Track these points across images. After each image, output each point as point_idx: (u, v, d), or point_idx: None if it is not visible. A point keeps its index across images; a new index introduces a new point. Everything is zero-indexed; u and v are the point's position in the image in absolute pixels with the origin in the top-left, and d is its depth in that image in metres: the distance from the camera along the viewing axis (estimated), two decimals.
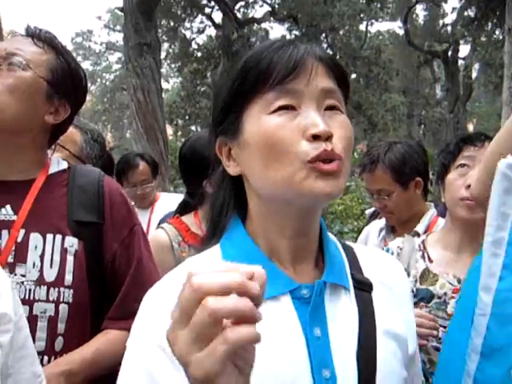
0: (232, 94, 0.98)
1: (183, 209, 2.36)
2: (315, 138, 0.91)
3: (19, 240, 1.50)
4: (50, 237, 1.52)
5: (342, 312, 0.98)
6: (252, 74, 0.95)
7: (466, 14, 21.12)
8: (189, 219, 2.27)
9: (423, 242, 2.03)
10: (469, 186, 1.82)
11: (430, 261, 1.96)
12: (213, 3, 20.70)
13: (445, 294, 1.88)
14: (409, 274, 1.93)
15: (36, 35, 1.59)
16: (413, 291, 1.90)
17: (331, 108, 0.96)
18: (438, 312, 1.86)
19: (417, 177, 2.49)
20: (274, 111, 0.93)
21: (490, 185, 1.38)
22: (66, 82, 1.58)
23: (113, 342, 1.54)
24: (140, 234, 1.66)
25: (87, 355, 1.51)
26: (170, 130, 23.93)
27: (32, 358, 1.15)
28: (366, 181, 2.58)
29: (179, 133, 25.95)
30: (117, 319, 1.58)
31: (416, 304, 1.87)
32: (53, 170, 1.64)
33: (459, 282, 1.85)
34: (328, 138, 0.91)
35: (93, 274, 1.57)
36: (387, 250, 2.03)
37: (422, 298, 1.89)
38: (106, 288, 1.62)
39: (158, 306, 0.95)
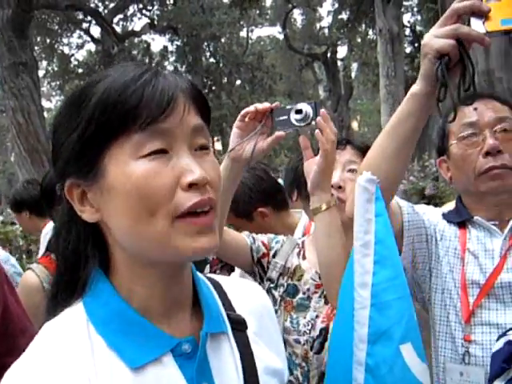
0: (88, 133, 0.82)
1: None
2: (191, 186, 0.81)
3: None
4: None
5: (225, 360, 0.92)
6: (117, 113, 0.81)
7: (340, 17, 21.96)
8: None
9: (303, 242, 2.08)
10: (331, 186, 1.87)
11: (304, 258, 2.01)
12: (89, 18, 20.24)
13: (308, 289, 1.92)
14: (287, 270, 1.98)
15: None
16: (283, 285, 1.95)
17: (202, 147, 0.87)
18: (302, 308, 1.91)
19: (259, 207, 2.50)
20: (145, 156, 0.81)
21: None
22: None
23: None
24: (3, 280, 1.56)
25: None
26: None
27: None
28: None
29: None
30: None
31: (282, 298, 1.93)
32: None
33: (320, 277, 1.89)
34: (205, 184, 0.83)
35: None
36: (276, 242, 2.08)
37: (288, 292, 1.93)
38: None
39: None
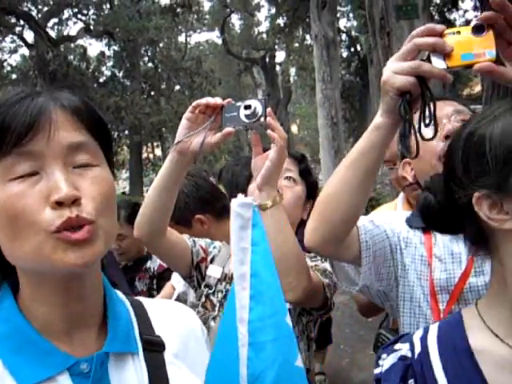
0: None
1: None
2: (60, 204, 0.80)
3: None
4: None
5: (129, 381, 0.90)
6: None
7: (277, 22, 22.17)
8: None
9: None
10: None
11: None
12: (22, 22, 19.74)
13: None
14: (225, 276, 2.00)
15: None
16: (221, 291, 1.97)
17: (82, 165, 0.85)
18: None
19: (197, 214, 2.48)
20: (14, 179, 0.81)
21: (329, 233, 1.42)
22: None
23: None
24: None
25: None
26: None
27: None
28: None
29: None
30: None
31: (221, 304, 1.94)
32: None
33: None
34: (74, 201, 0.81)
35: None
36: (214, 247, 2.10)
37: (225, 295, 1.95)
38: None
39: None
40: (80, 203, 0.82)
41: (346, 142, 17.97)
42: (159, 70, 23.59)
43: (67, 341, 0.88)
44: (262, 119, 1.57)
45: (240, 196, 0.98)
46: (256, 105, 1.57)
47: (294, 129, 37.57)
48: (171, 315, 1.05)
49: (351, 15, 22.47)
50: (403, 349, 1.09)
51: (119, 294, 1.01)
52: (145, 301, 1.06)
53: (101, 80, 23.30)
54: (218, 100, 1.60)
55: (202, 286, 2.01)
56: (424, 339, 1.09)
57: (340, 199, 1.36)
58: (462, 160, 1.02)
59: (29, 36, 21.70)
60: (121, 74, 23.52)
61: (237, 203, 0.97)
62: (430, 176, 1.19)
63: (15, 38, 22.17)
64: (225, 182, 2.36)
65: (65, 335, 0.89)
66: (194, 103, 1.60)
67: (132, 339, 0.94)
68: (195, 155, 1.63)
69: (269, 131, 1.61)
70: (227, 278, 2.00)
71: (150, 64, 24.54)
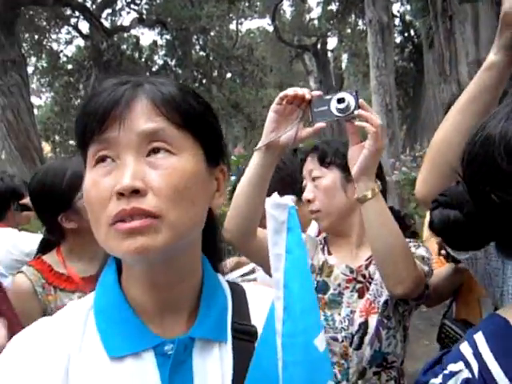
0: (76, 146, 0.92)
1: (45, 247, 2.19)
2: (122, 194, 0.82)
3: None
4: None
5: (212, 368, 0.92)
6: (79, 124, 0.89)
7: (329, 7, 21.89)
8: (51, 258, 2.12)
9: (324, 238, 2.06)
10: (308, 201, 1.95)
11: (329, 253, 2.00)
12: (77, 13, 20.08)
13: (339, 285, 1.92)
14: (314, 268, 1.97)
15: None
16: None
17: (158, 151, 0.85)
18: (334, 304, 1.90)
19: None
20: (95, 165, 0.86)
21: (437, 184, 1.34)
22: None
23: None
24: None
25: None
26: (47, 148, 23.05)
27: None
28: None
29: (58, 149, 25.03)
30: None
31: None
32: None
33: (352, 271, 1.91)
34: (136, 192, 0.82)
35: None
36: None
37: (318, 289, 1.92)
38: None
39: (19, 356, 0.88)
40: (143, 195, 0.82)
41: (400, 129, 17.63)
42: (211, 58, 23.64)
43: (158, 322, 0.93)
44: (356, 112, 1.52)
45: (275, 195, 0.89)
46: (349, 98, 1.52)
47: None
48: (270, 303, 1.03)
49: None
50: (462, 370, 0.99)
51: (222, 280, 1.03)
52: (247, 287, 1.07)
53: (153, 69, 23.52)
54: (306, 92, 1.54)
55: None
56: (477, 354, 0.99)
57: (451, 145, 1.30)
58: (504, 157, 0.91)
59: (84, 27, 22.04)
60: (173, 63, 23.67)
61: (270, 204, 0.87)
62: (442, 193, 1.09)
63: (70, 29, 22.58)
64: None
65: (156, 317, 0.93)
66: (281, 94, 1.55)
67: (223, 327, 0.96)
68: (285, 149, 1.59)
69: (358, 122, 1.56)
70: (316, 269, 1.97)
71: (201, 52, 24.61)
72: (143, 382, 0.88)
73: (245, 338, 0.96)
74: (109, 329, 0.90)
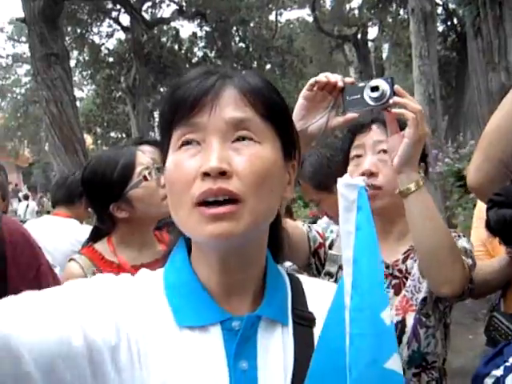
0: (159, 128, 0.97)
1: (96, 235, 2.21)
2: (208, 175, 0.85)
3: None
4: None
5: (275, 347, 0.95)
6: (167, 109, 0.93)
7: None
8: (102, 246, 2.13)
9: None
10: (362, 174, 1.72)
11: None
12: (119, 6, 20.29)
13: None
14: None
15: None
16: None
17: (243, 139, 0.90)
18: None
19: (303, 183, 2.53)
20: (180, 147, 0.90)
21: (491, 173, 1.30)
22: None
23: None
24: (48, 272, 1.56)
25: None
26: (89, 140, 23.42)
27: None
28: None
29: (99, 141, 25.41)
30: None
31: None
32: None
33: (387, 267, 1.80)
34: (222, 174, 0.85)
35: None
36: (331, 231, 1.96)
37: None
38: None
39: (93, 285, 0.94)
40: (228, 177, 0.86)
41: (442, 119, 17.34)
42: (250, 50, 23.65)
43: (225, 300, 0.96)
44: (391, 101, 1.43)
45: (346, 176, 0.94)
46: (383, 85, 1.43)
47: None
48: (326, 294, 1.05)
49: None
50: None
51: (280, 268, 1.06)
52: (302, 278, 1.10)
53: (193, 60, 23.65)
54: (338, 78, 1.46)
55: (322, 274, 1.90)
56: None
57: (505, 134, 1.26)
58: None
59: (124, 20, 22.27)
60: (212, 54, 23.76)
61: (342, 183, 0.93)
62: (496, 192, 1.06)
63: (112, 22, 22.85)
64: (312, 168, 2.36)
65: (224, 296, 0.96)
66: (312, 80, 1.47)
67: (284, 311, 0.99)
68: (313, 140, 1.50)
69: (395, 111, 1.47)
70: None
71: (241, 44, 24.64)
72: (209, 353, 0.91)
73: (304, 323, 1.00)
74: (179, 302, 0.94)
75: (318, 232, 1.93)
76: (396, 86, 1.45)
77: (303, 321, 1.00)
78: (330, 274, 1.88)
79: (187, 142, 0.90)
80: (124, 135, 25.02)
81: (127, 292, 0.94)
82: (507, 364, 1.01)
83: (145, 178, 2.02)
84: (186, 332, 0.92)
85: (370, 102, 1.43)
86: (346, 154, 1.88)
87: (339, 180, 0.93)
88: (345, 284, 0.92)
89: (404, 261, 1.81)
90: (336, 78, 1.46)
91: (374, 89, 1.43)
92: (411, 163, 1.52)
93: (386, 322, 0.91)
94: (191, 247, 1.00)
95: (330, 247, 1.91)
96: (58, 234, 3.48)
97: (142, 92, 20.36)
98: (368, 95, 1.43)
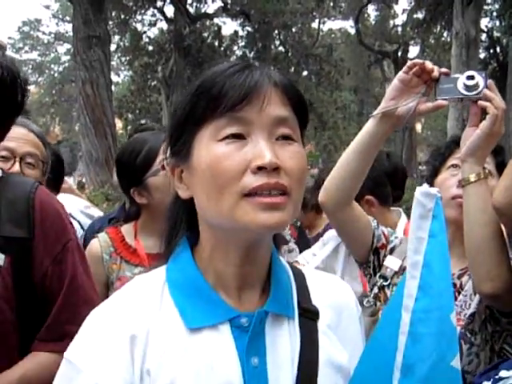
0: (184, 117, 0.96)
1: (128, 216, 2.23)
2: (260, 169, 0.88)
3: None
4: None
5: (282, 341, 0.98)
6: (203, 99, 0.93)
7: (415, 16, 21.47)
8: (128, 228, 2.17)
9: None
10: (461, 185, 1.70)
11: None
12: None
13: None
14: (404, 270, 1.87)
15: None
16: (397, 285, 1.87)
17: (284, 137, 0.94)
18: None
19: (366, 195, 2.47)
20: (223, 139, 0.91)
21: None
22: None
23: (42, 366, 1.44)
24: (75, 249, 1.56)
25: (13, 380, 1.41)
26: (119, 124, 23.60)
27: None
28: None
29: (129, 127, 25.59)
30: (47, 341, 1.47)
31: None
32: None
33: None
34: (275, 169, 0.89)
35: (21, 292, 1.46)
36: (396, 237, 1.98)
37: None
38: (38, 307, 1.51)
39: (98, 332, 0.94)
40: (279, 172, 0.90)
41: None
42: (289, 55, 23.64)
43: (235, 296, 0.99)
44: (482, 94, 1.50)
45: (425, 185, 1.00)
46: (478, 77, 1.50)
47: (418, 127, 36.45)
48: (328, 287, 1.11)
49: (495, 14, 21.29)
50: (510, 377, 1.07)
51: (283, 261, 1.09)
52: (306, 271, 1.12)
53: (232, 59, 23.67)
54: (435, 68, 1.53)
55: (377, 276, 1.92)
56: None
57: None
58: None
59: (169, 11, 22.43)
60: (251, 55, 23.77)
61: (420, 192, 0.98)
62: None
63: (156, 11, 23.00)
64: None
65: (234, 291, 0.99)
66: (410, 63, 1.55)
67: (290, 304, 1.01)
68: (401, 120, 1.57)
69: (481, 102, 1.51)
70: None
71: (280, 47, 24.64)
72: (220, 352, 0.93)
73: (309, 316, 1.02)
74: (186, 302, 0.96)
75: (383, 232, 1.95)
76: (489, 81, 1.51)
77: (308, 314, 1.02)
78: (384, 277, 1.91)
79: (232, 136, 0.91)
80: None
81: (133, 314, 0.95)
82: (496, 376, 1.08)
83: (162, 168, 1.99)
84: (195, 333, 0.94)
85: (463, 91, 1.51)
86: (442, 159, 1.94)
87: (418, 188, 0.98)
88: (406, 286, 0.97)
89: (460, 277, 1.84)
90: (433, 66, 1.52)
91: (470, 77, 1.50)
92: (477, 155, 1.55)
93: (454, 324, 0.98)
94: (191, 247, 1.02)
95: (391, 252, 1.93)
96: None
97: (177, 83, 20.44)
98: (463, 83, 1.50)
